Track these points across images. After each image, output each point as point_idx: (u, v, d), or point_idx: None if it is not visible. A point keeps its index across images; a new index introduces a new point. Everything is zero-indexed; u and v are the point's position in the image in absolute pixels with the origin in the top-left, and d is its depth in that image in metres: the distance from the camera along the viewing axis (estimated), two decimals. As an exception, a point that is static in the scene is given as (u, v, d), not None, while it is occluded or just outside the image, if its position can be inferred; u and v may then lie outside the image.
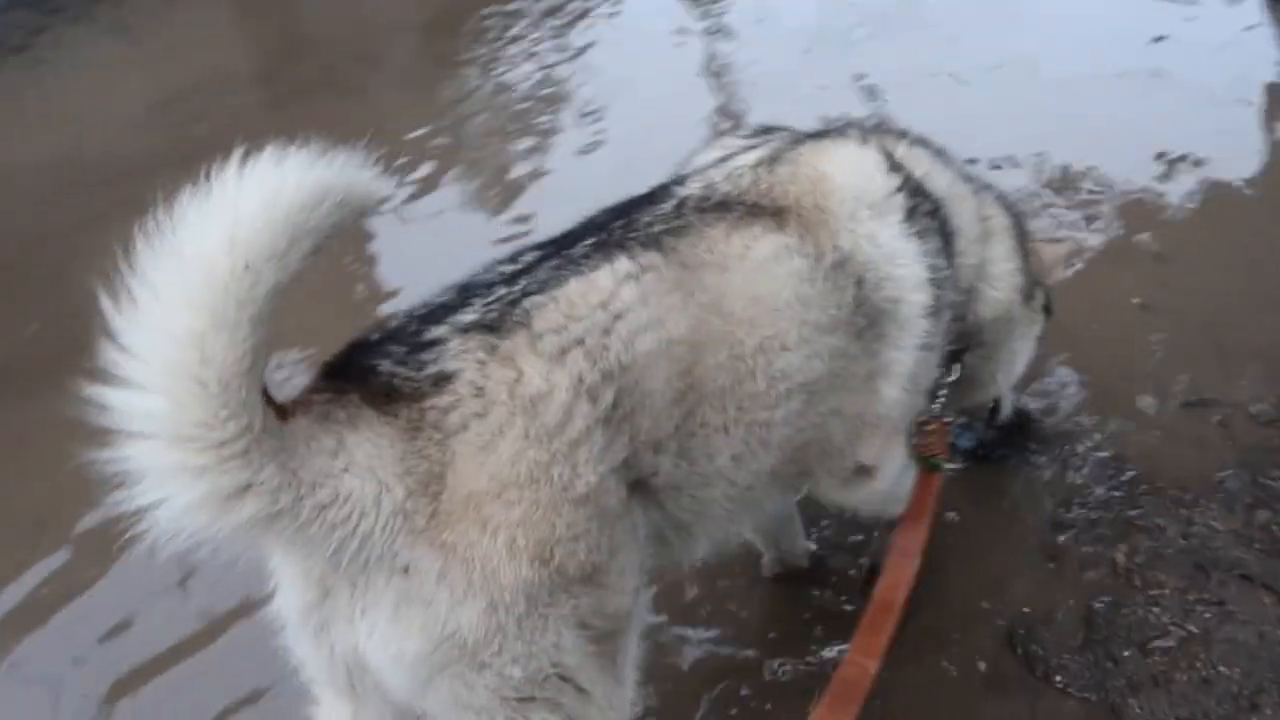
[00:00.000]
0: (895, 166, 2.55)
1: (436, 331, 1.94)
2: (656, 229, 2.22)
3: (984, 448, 3.42)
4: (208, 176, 1.55)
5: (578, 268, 2.08)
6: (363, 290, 4.75)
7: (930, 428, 2.85)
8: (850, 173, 2.45)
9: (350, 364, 1.92)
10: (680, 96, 5.88)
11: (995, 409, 3.27)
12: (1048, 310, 3.20)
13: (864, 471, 2.62)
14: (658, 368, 2.05)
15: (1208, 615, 2.81)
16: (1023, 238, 3.00)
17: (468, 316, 1.97)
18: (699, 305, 2.14)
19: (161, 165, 5.28)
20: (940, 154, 2.82)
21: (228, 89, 6.94)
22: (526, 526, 1.83)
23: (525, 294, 2.02)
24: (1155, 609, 2.86)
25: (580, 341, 1.97)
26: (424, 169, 5.57)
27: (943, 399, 2.89)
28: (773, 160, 2.47)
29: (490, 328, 1.95)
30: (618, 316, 2.02)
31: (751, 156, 2.51)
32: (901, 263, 2.43)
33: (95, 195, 5.71)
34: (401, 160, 5.54)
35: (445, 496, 1.80)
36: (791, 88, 5.71)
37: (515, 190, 5.30)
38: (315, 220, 1.58)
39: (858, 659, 2.35)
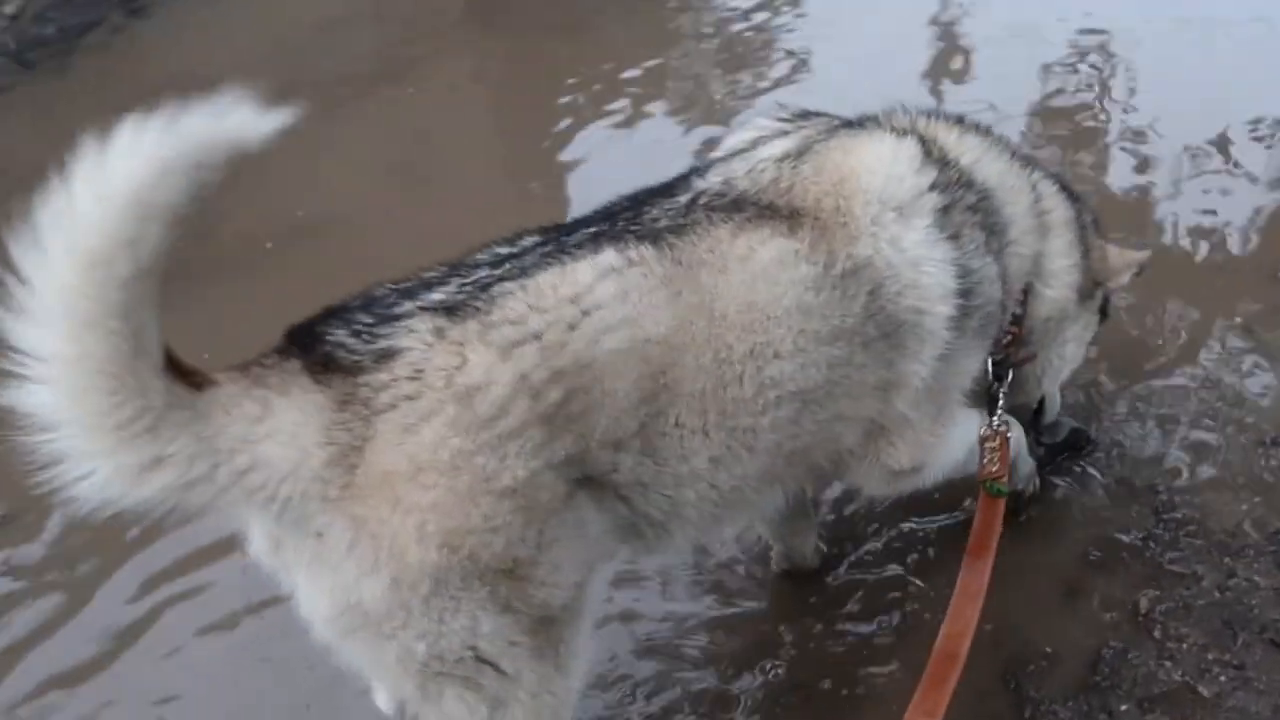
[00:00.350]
0: (932, 160, 2.45)
1: (405, 306, 1.98)
2: (662, 223, 2.20)
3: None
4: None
5: (562, 257, 2.08)
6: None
7: (989, 443, 2.75)
8: (878, 172, 2.36)
9: (310, 329, 1.97)
10: (900, 42, 5.58)
11: (1040, 411, 3.12)
12: (1104, 313, 3.04)
13: (903, 474, 2.59)
14: (625, 367, 2.03)
15: (1223, 678, 2.63)
16: (1085, 232, 2.86)
17: (437, 295, 2.00)
18: (685, 306, 2.11)
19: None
20: (994, 140, 2.71)
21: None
22: (438, 512, 1.86)
23: (501, 279, 2.03)
24: (1168, 663, 2.69)
25: (537, 336, 1.97)
26: (633, 101, 5.45)
27: (1001, 408, 2.80)
28: (800, 154, 2.40)
29: (450, 310, 1.96)
30: (586, 312, 2.01)
31: (779, 147, 2.44)
32: (927, 270, 2.35)
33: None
34: (613, 91, 5.49)
35: (361, 471, 1.84)
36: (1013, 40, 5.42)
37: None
38: (161, 197, 1.58)
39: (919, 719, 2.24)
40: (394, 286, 2.06)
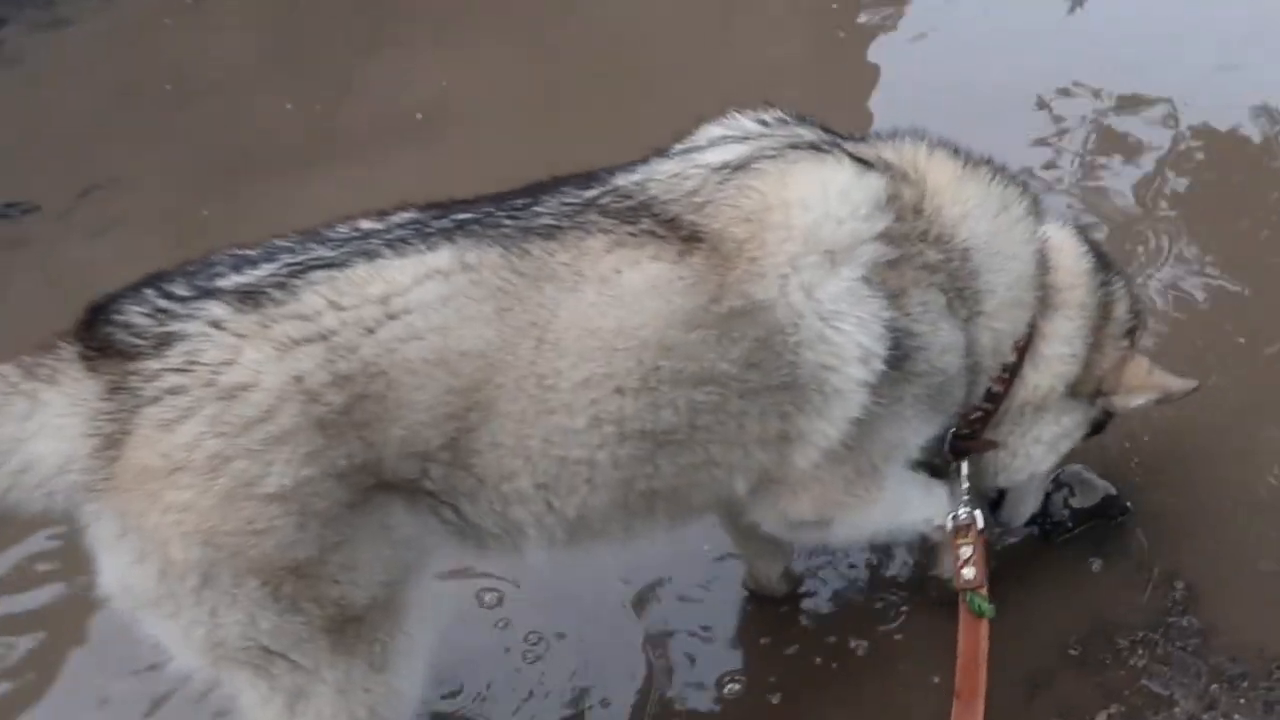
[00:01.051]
0: (895, 205, 2.24)
1: (218, 284, 1.93)
2: (542, 222, 2.09)
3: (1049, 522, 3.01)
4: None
5: (394, 250, 1.99)
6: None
7: (962, 542, 2.58)
8: (813, 208, 2.17)
9: (104, 307, 1.94)
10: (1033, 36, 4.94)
11: (998, 505, 2.85)
12: (1098, 427, 2.72)
13: (804, 526, 2.49)
14: (427, 379, 1.94)
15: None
16: (1104, 326, 2.57)
17: (248, 276, 1.94)
18: (513, 322, 2.00)
19: None
20: (1007, 194, 2.45)
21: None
22: (195, 513, 1.83)
23: (320, 265, 1.96)
24: (1093, 797, 2.52)
25: (324, 336, 1.89)
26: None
27: (965, 498, 2.62)
28: (738, 168, 2.22)
29: (245, 297, 1.90)
30: (393, 316, 1.93)
31: (724, 154, 2.27)
32: (842, 326, 2.17)
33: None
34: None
35: (119, 465, 1.83)
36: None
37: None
38: None
39: None
40: (233, 254, 2.02)
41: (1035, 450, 2.66)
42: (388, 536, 2.06)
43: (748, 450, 2.25)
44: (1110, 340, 2.58)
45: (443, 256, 2.00)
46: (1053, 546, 2.98)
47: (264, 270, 1.98)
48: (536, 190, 2.21)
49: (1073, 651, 2.75)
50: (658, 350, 2.06)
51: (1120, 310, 2.60)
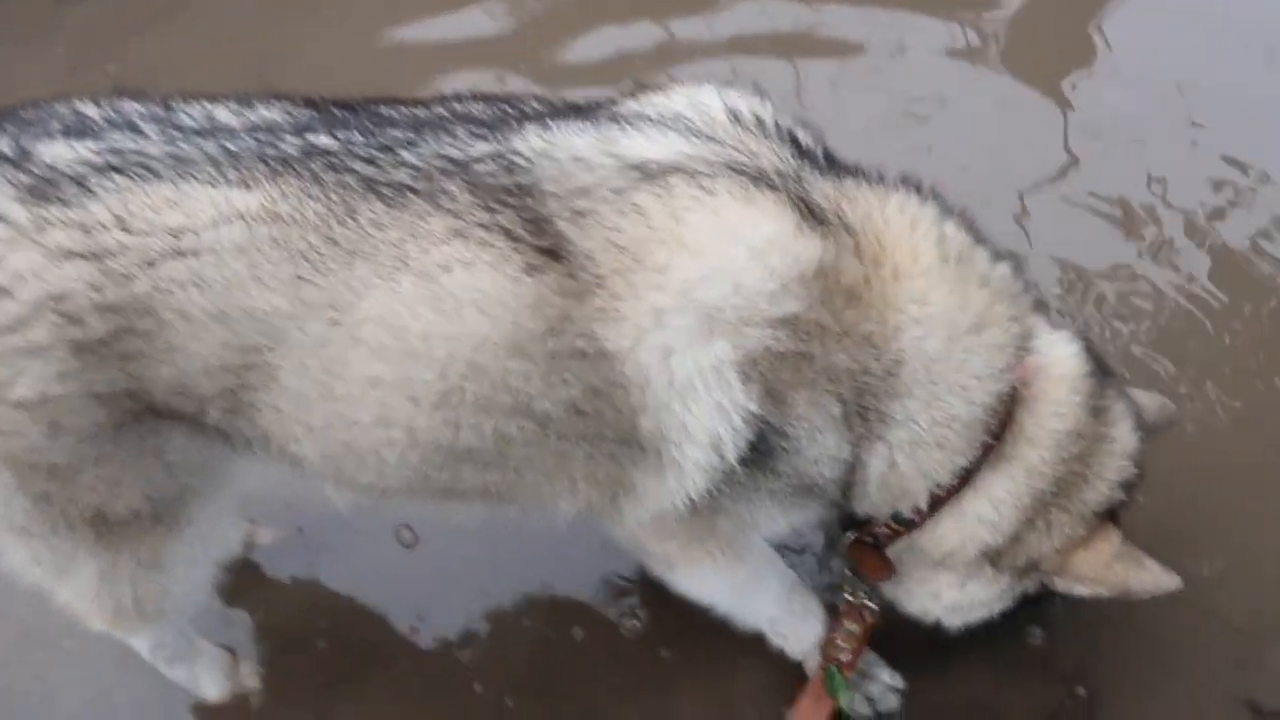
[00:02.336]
0: (821, 287, 1.77)
1: (38, 150, 1.72)
2: (392, 175, 1.74)
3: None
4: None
5: (209, 171, 1.72)
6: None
7: (847, 621, 2.33)
8: (707, 260, 1.72)
9: None
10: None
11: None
12: (1029, 600, 2.25)
13: (652, 558, 2.24)
14: (205, 332, 1.72)
15: None
16: (1059, 500, 2.05)
17: (64, 151, 1.72)
18: (310, 297, 1.72)
19: None
20: (990, 305, 1.91)
21: None
22: None
23: (134, 167, 1.72)
24: None
25: (99, 256, 1.68)
26: None
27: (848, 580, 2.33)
28: (652, 176, 1.77)
29: (41, 185, 1.69)
30: (180, 254, 1.69)
31: (651, 149, 1.80)
32: (693, 407, 1.79)
33: None
34: None
35: None
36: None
37: None
38: None
39: None
40: (78, 111, 1.80)
41: (931, 605, 2.25)
42: (162, 460, 1.92)
43: (575, 485, 1.95)
44: (1065, 517, 2.06)
45: (254, 199, 1.70)
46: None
47: (82, 150, 1.73)
48: (435, 121, 1.85)
49: (923, 726, 2.44)
50: (466, 370, 1.75)
51: (1093, 491, 2.06)
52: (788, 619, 2.39)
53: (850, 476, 1.97)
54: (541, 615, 2.68)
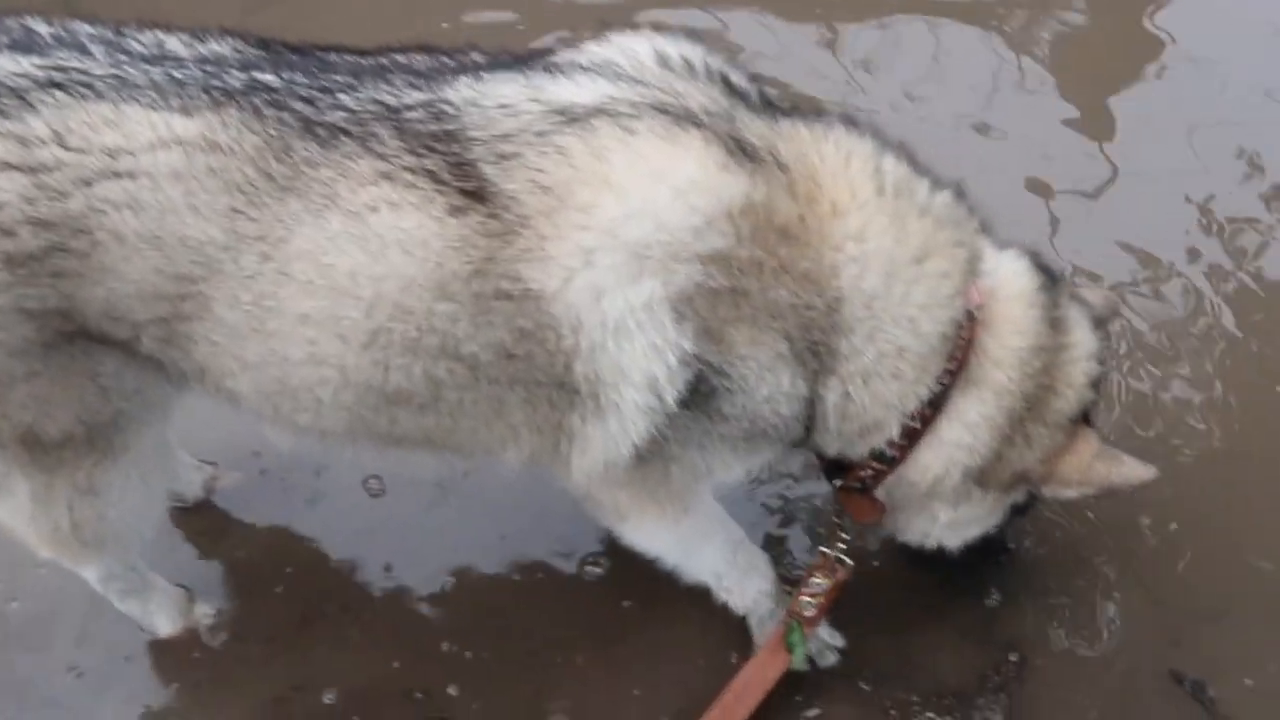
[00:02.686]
0: (748, 222, 1.80)
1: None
2: (329, 117, 1.79)
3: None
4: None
5: (152, 95, 1.75)
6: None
7: (816, 575, 2.38)
8: (631, 199, 1.77)
9: None
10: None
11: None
12: (1020, 510, 2.34)
13: (600, 507, 2.29)
14: (139, 256, 1.76)
15: None
16: (1033, 413, 2.11)
17: (7, 63, 1.75)
18: (243, 229, 1.76)
19: None
20: (933, 234, 1.95)
21: None
22: None
23: (77, 85, 1.75)
24: None
25: (35, 170, 1.70)
26: None
27: (841, 544, 2.40)
28: (577, 119, 1.81)
29: None
30: (117, 175, 1.73)
31: (579, 93, 1.85)
32: (626, 347, 1.83)
33: None
34: None
35: None
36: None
37: None
38: None
39: None
40: (28, 27, 1.83)
41: (930, 529, 2.32)
42: (95, 383, 1.95)
43: (516, 431, 2.00)
44: (1042, 429, 2.12)
45: (193, 126, 1.74)
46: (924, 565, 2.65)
47: (26, 64, 1.76)
48: (375, 69, 1.90)
49: (864, 687, 2.51)
50: (392, 311, 1.80)
51: (1065, 398, 2.12)
52: (733, 574, 2.45)
53: (811, 412, 2.02)
54: (504, 563, 2.73)
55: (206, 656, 2.57)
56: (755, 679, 2.35)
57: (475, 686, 2.52)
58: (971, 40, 4.00)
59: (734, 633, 2.54)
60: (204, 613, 2.62)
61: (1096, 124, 3.73)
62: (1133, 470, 2.17)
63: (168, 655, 2.57)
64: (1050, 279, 2.13)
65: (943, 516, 2.27)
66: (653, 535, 2.31)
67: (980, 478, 2.16)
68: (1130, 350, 3.08)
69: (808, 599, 2.37)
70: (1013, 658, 2.53)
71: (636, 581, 2.60)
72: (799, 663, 2.38)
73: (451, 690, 2.52)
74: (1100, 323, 2.22)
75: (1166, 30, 4.02)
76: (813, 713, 2.48)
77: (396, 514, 2.82)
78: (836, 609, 2.46)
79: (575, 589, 2.69)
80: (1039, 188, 3.52)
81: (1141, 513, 2.75)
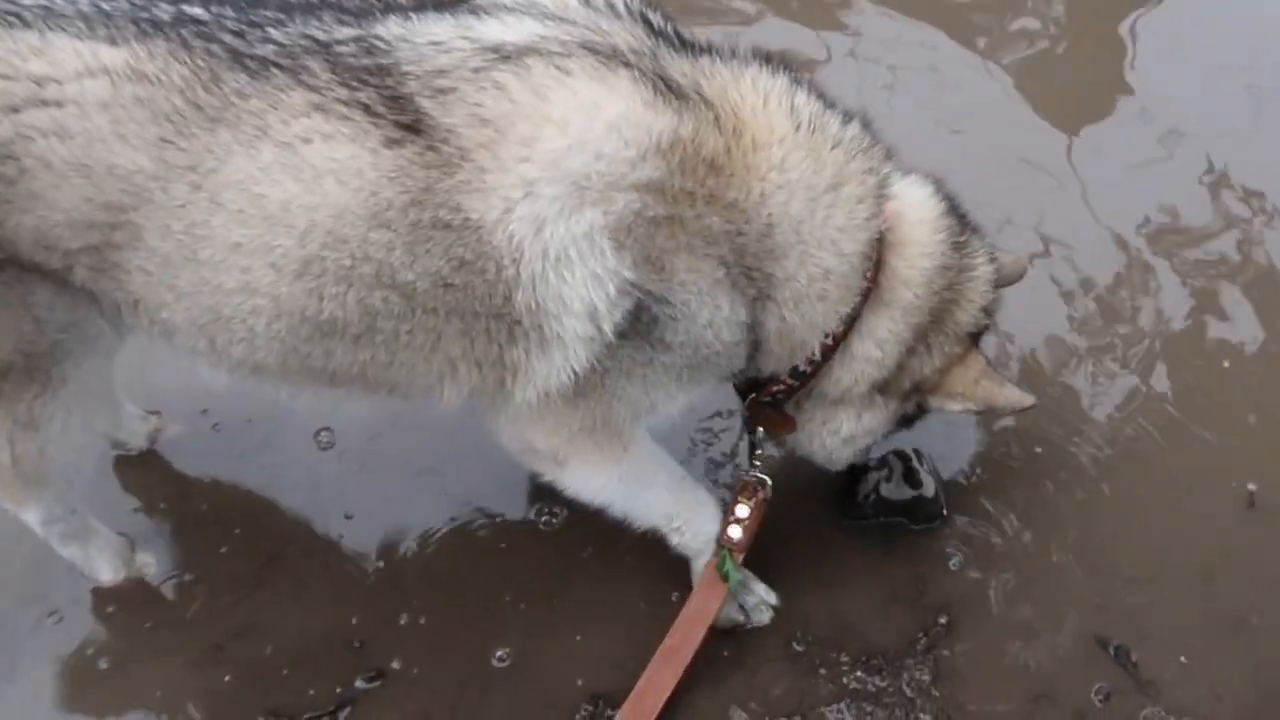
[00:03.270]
0: (679, 154, 1.88)
1: None
2: (259, 50, 1.83)
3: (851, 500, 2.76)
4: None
5: (79, 26, 1.78)
6: None
7: (741, 499, 2.44)
8: (570, 132, 1.84)
9: None
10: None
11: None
12: (906, 421, 2.46)
13: (538, 455, 2.32)
14: (67, 182, 1.80)
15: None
16: (935, 328, 2.26)
17: None
18: (173, 158, 1.80)
19: None
20: (846, 164, 2.05)
21: None
22: None
23: (9, 15, 1.78)
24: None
25: None
26: None
27: (758, 463, 2.46)
28: (510, 56, 1.87)
29: None
30: (44, 102, 1.77)
31: (509, 32, 1.90)
32: (567, 277, 1.89)
33: None
34: None
35: None
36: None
37: None
38: None
39: None
40: None
41: (830, 441, 2.44)
42: (30, 313, 1.98)
43: (454, 365, 2.05)
44: (940, 343, 2.29)
45: (120, 56, 1.78)
46: (859, 527, 2.75)
47: None
48: (305, 6, 1.92)
49: (797, 647, 2.56)
50: (325, 239, 1.84)
51: (963, 314, 2.28)
52: (683, 512, 2.47)
53: (753, 337, 2.10)
54: (456, 513, 2.76)
55: (146, 604, 2.60)
56: (698, 612, 2.40)
57: (417, 638, 2.55)
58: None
59: (674, 572, 2.57)
60: (145, 561, 2.64)
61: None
62: (1013, 394, 2.38)
63: (107, 602, 2.59)
64: (954, 207, 2.27)
65: (845, 428, 2.39)
66: (594, 479, 2.35)
67: (884, 386, 2.30)
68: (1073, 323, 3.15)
69: (735, 525, 2.43)
70: (941, 620, 2.58)
71: (582, 533, 2.67)
72: (735, 585, 2.44)
73: (391, 640, 2.55)
74: (1005, 280, 2.38)
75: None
76: (744, 672, 2.52)
77: (346, 466, 2.85)
78: (760, 569, 2.54)
79: (520, 540, 2.73)
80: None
81: (1070, 481, 2.83)
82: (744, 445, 2.76)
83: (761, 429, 2.44)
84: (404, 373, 2.06)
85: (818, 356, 2.20)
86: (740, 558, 2.44)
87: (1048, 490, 2.82)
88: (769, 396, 2.33)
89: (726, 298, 2.01)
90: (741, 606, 2.53)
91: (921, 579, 2.66)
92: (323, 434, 2.89)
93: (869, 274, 2.13)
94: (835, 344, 2.19)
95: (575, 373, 2.02)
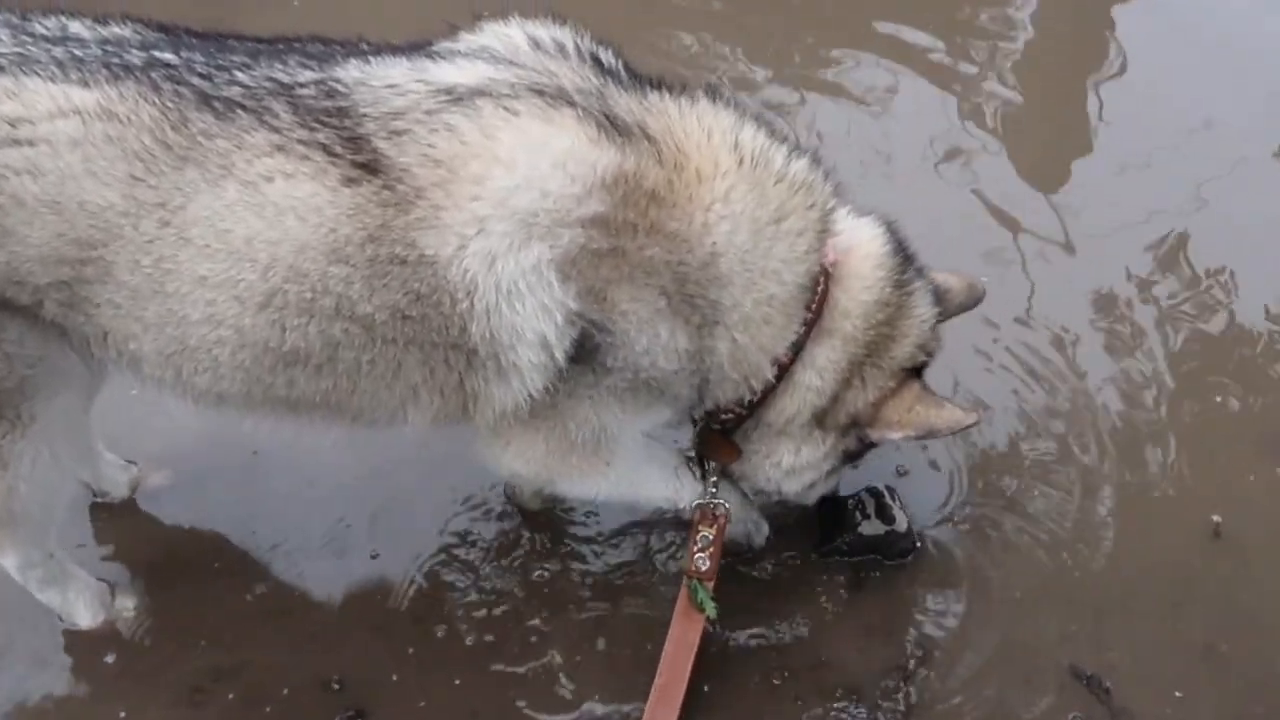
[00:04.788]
0: (621, 189, 1.96)
1: None
2: (225, 92, 1.91)
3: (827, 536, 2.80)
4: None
5: (53, 70, 1.86)
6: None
7: (701, 529, 2.48)
8: (518, 170, 1.92)
9: None
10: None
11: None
12: (850, 456, 2.50)
13: (522, 477, 2.44)
14: (38, 220, 1.86)
15: None
16: (871, 360, 2.32)
17: None
18: (142, 195, 1.87)
19: None
20: (789, 197, 2.12)
21: None
22: None
23: None
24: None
25: None
26: None
27: (713, 489, 2.52)
28: (461, 98, 1.96)
29: None
30: (17, 142, 1.84)
31: (460, 75, 2.00)
32: (519, 308, 1.98)
33: None
34: None
35: None
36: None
37: None
38: None
39: None
40: None
41: (772, 473, 2.49)
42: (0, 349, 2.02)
43: (416, 392, 2.12)
44: (874, 376, 2.33)
45: (91, 97, 1.86)
46: (834, 562, 2.79)
47: None
48: (271, 51, 2.04)
49: (775, 680, 2.58)
50: (287, 273, 1.92)
51: (900, 347, 2.33)
52: (685, 493, 2.53)
53: (700, 365, 2.16)
54: (434, 556, 2.78)
55: (125, 648, 2.59)
56: (681, 644, 2.43)
57: (397, 678, 2.56)
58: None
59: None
60: (125, 605, 2.64)
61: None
62: (953, 414, 2.37)
63: (86, 647, 2.59)
64: (902, 249, 2.34)
65: (786, 460, 2.44)
66: (584, 489, 2.44)
67: (822, 417, 2.35)
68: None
69: (699, 554, 2.47)
70: (916, 652, 2.62)
71: (570, 586, 2.71)
72: (712, 614, 2.46)
73: (371, 679, 2.55)
74: (957, 306, 2.48)
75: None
76: (725, 705, 2.54)
77: (330, 508, 2.86)
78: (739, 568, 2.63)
79: (507, 592, 2.74)
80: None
81: (1042, 508, 2.89)
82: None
83: (709, 457, 2.50)
84: (367, 400, 2.12)
85: (770, 379, 2.25)
86: (710, 585, 2.47)
87: (1017, 523, 2.87)
88: (718, 424, 2.40)
89: (667, 326, 2.07)
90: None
91: (896, 612, 2.70)
92: (305, 488, 2.91)
93: (812, 304, 2.20)
94: (782, 371, 2.25)
95: (531, 397, 2.10)
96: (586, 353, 2.06)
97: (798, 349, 2.23)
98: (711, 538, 2.48)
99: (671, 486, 2.53)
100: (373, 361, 2.03)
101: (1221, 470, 3.00)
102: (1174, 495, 2.94)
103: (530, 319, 1.98)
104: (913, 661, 2.60)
